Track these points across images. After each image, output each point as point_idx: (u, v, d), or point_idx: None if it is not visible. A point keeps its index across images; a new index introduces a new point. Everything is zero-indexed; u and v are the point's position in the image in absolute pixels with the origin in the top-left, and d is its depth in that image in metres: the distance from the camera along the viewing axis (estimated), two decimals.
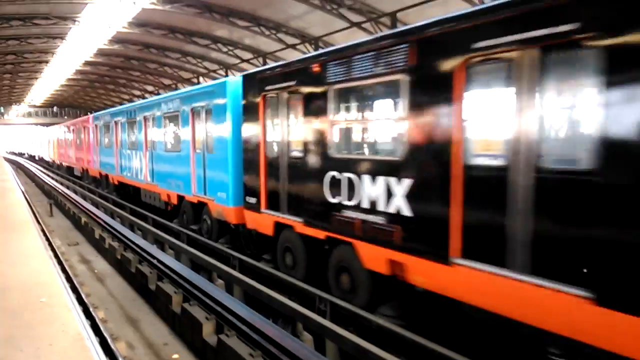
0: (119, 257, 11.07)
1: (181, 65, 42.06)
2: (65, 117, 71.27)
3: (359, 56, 7.23)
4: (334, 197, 7.75)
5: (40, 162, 55.51)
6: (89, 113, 48.54)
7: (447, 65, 5.78)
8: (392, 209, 6.65)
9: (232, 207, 11.10)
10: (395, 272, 6.72)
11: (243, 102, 10.46)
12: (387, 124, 7.57)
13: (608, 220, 4.36)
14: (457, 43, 5.70)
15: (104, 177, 23.77)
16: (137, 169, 18.02)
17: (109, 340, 6.29)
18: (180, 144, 14.00)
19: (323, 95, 7.90)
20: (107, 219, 13.94)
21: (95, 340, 5.39)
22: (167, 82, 49.14)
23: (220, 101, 11.53)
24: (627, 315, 4.17)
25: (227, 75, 36.14)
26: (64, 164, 38.13)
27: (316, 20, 25.61)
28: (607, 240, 4.35)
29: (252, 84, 10.11)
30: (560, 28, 4.63)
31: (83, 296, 8.04)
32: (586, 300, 4.45)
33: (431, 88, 6.11)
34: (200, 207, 12.97)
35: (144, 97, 52.43)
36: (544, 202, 4.88)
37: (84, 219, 15.52)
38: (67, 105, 77.60)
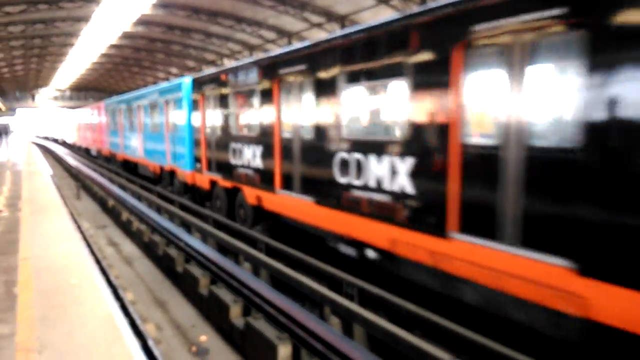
0: (146, 240, 11.18)
1: (205, 47, 42.12)
2: (91, 100, 72.18)
3: (241, 72, 11.65)
4: (234, 159, 11.99)
5: (63, 145, 57.06)
6: (113, 96, 49.31)
7: (270, 82, 10.21)
8: (255, 165, 10.93)
9: (188, 171, 15.25)
10: (259, 203, 10.92)
11: (192, 97, 14.71)
12: (254, 113, 11.18)
13: (308, 163, 9.05)
14: (274, 70, 10.07)
15: (113, 156, 28.01)
16: (134, 148, 22.13)
17: (138, 322, 6.36)
18: (160, 127, 17.98)
19: (227, 95, 12.27)
20: (134, 202, 14.08)
21: (124, 321, 5.45)
22: (191, 64, 49.31)
23: (179, 95, 15.64)
24: (323, 207, 8.57)
25: (251, 56, 36.06)
26: (82, 145, 42.44)
27: None
28: (312, 173, 8.96)
29: (197, 84, 14.37)
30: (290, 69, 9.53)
31: (112, 278, 8.15)
32: (314, 203, 8.78)
33: (266, 94, 10.41)
34: (172, 174, 17.37)
35: (167, 80, 52.72)
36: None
37: (111, 202, 15.71)
38: (92, 88, 78.57)
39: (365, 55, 7.60)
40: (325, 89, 8.39)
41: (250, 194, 11.23)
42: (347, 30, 8.37)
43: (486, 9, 5.61)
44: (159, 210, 13.97)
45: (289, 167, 9.66)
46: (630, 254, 4.38)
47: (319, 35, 26.88)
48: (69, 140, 53.69)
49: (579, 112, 4.74)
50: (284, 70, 9.71)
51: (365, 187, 7.49)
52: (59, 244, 7.90)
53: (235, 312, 6.83)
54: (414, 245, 6.62)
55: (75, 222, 12.50)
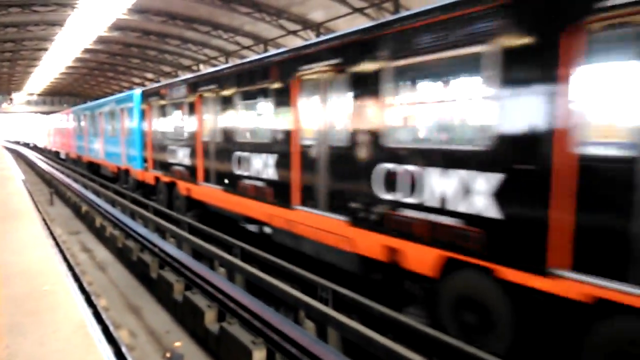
0: (120, 245, 11.08)
1: (181, 53, 41.87)
2: (65, 106, 70.94)
3: (175, 88, 14.46)
4: (171, 159, 14.77)
5: (34, 149, 59.09)
6: (87, 102, 49.12)
7: (194, 96, 12.98)
8: (185, 163, 13.72)
9: (139, 170, 17.90)
10: (189, 194, 13.61)
11: (141, 106, 17.43)
12: (184, 121, 13.94)
13: (218, 159, 11.69)
14: (197, 87, 12.86)
15: (79, 158, 30.68)
16: (97, 150, 24.73)
17: (111, 328, 6.30)
18: (117, 132, 20.49)
19: (165, 106, 15.27)
20: (108, 208, 13.95)
21: (97, 328, 5.41)
22: (167, 69, 48.94)
23: (131, 105, 18.17)
24: (228, 194, 11.13)
25: (227, 62, 35.98)
26: (52, 149, 46.41)
27: (318, 5, 25.45)
28: (221, 167, 11.53)
29: (145, 95, 17.21)
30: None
31: (85, 285, 8.05)
32: (223, 191, 11.45)
33: (191, 106, 13.23)
34: (127, 172, 19.80)
35: (143, 85, 52.28)
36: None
37: (84, 208, 15.52)
38: (66, 93, 77.30)
39: (249, 80, 10.63)
40: (227, 103, 11.30)
41: (182, 187, 14.08)
42: (238, 62, 11.76)
43: (305, 56, 8.60)
44: (132, 215, 13.87)
45: (207, 164, 12.42)
46: (365, 209, 7.19)
47: (295, 42, 26.98)
48: (40, 145, 58.04)
49: (348, 124, 7.63)
50: (203, 88, 12.49)
51: (251, 177, 10.29)
52: (31, 250, 7.79)
53: (210, 318, 6.82)
54: (278, 217, 9.38)
55: (48, 228, 12.31)
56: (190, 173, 13.32)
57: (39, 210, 14.48)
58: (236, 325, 6.19)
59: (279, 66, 9.36)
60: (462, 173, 5.67)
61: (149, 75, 54.30)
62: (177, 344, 6.89)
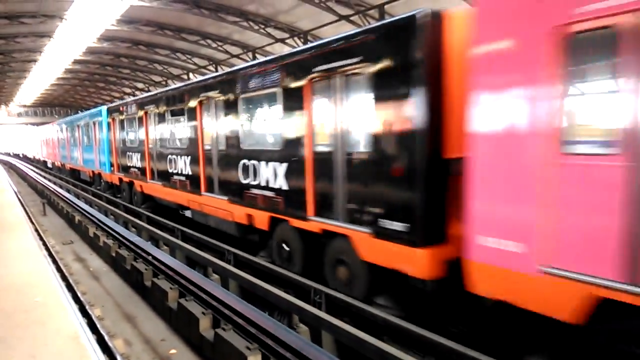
0: (113, 254, 11.06)
1: (171, 62, 41.82)
2: (56, 117, 70.64)
3: (129, 105, 17.83)
4: (129, 162, 18.03)
5: (24, 158, 62.25)
6: (79, 111, 49.18)
7: (142, 112, 16.31)
8: (138, 165, 16.87)
9: (108, 173, 21.28)
10: (142, 190, 16.92)
11: (107, 120, 20.84)
12: (136, 132, 17.11)
13: (159, 161, 15.28)
14: (143, 105, 16.35)
15: (63, 166, 34.35)
16: (77, 158, 28.08)
17: (106, 338, 6.28)
18: (91, 141, 23.73)
19: (123, 120, 18.55)
20: (101, 217, 13.91)
21: (92, 338, 5.39)
22: (157, 79, 48.87)
23: (100, 119, 21.53)
24: (166, 187, 14.73)
25: (216, 71, 35.99)
26: (41, 159, 50.35)
27: (304, 13, 25.51)
28: (160, 167, 15.15)
29: (110, 111, 20.64)
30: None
31: (79, 294, 8.01)
32: (162, 186, 15.05)
33: (140, 120, 16.49)
34: (100, 176, 23.29)
35: (134, 95, 52.25)
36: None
37: (77, 218, 15.47)
38: (57, 104, 76.95)
39: (173, 102, 13.89)
40: (162, 118, 14.72)
41: (138, 185, 17.38)
42: (168, 88, 14.98)
43: (203, 87, 12.10)
44: (126, 224, 13.83)
45: (152, 165, 15.74)
46: (235, 190, 10.46)
47: (283, 49, 27.03)
48: (29, 155, 62.80)
49: (225, 133, 10.98)
50: (147, 106, 15.89)
51: (177, 174, 13.60)
52: (23, 262, 7.78)
53: (204, 325, 6.82)
54: (194, 201, 12.60)
55: (41, 238, 12.26)
56: (142, 173, 16.69)
57: (31, 221, 14.43)
58: (231, 331, 6.19)
59: (189, 92, 12.78)
60: (273, 164, 9.13)
61: (140, 85, 54.22)
62: (173, 351, 6.87)
